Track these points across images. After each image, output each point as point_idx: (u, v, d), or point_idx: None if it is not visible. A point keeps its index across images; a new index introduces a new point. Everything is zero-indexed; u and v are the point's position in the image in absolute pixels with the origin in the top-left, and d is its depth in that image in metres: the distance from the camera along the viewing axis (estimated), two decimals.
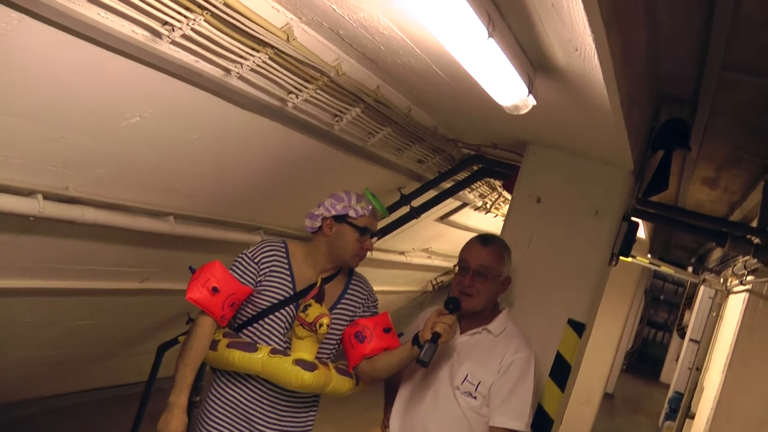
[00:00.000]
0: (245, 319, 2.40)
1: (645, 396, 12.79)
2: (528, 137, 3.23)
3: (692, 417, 6.95)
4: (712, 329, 7.87)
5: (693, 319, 9.94)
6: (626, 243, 3.25)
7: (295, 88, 2.62)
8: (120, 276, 3.44)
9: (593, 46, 1.69)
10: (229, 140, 2.81)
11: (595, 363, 6.63)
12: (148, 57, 2.12)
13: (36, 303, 3.30)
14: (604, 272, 3.25)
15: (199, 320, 2.34)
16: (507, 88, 2.02)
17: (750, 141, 3.50)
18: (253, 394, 2.38)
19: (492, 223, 5.64)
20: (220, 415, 2.39)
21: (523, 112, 2.14)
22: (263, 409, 2.38)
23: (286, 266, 2.42)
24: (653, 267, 7.64)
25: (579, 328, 3.06)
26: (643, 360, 15.55)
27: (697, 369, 7.93)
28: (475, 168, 4.08)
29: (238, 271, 2.37)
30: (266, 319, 2.37)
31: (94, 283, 3.34)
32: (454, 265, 2.56)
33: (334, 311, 2.42)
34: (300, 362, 2.29)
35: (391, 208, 3.98)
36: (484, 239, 2.57)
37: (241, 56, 2.32)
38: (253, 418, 2.38)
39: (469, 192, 4.75)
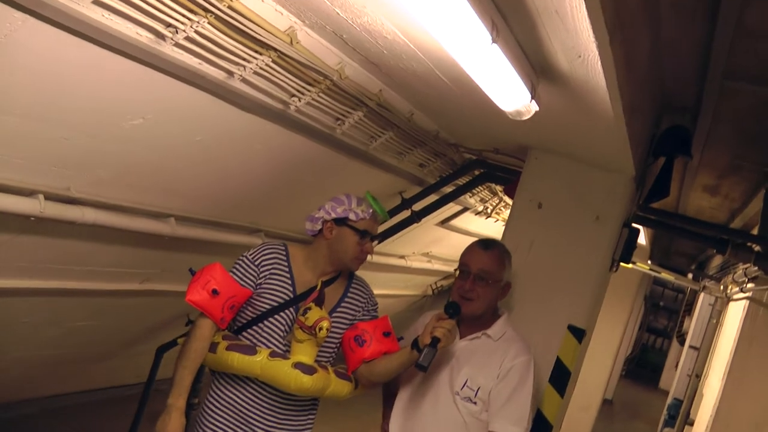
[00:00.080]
0: (245, 321, 2.40)
1: (644, 402, 12.78)
2: (530, 142, 3.23)
3: (691, 424, 6.93)
4: (712, 336, 7.85)
5: (693, 325, 9.91)
6: (627, 249, 3.25)
7: (298, 91, 2.62)
8: (120, 277, 3.44)
9: (597, 52, 1.69)
10: (230, 143, 2.81)
11: (595, 369, 6.62)
12: (152, 59, 2.12)
13: (36, 303, 3.30)
14: (604, 278, 3.24)
15: (199, 322, 2.33)
16: (510, 93, 2.02)
17: (751, 149, 3.50)
18: (252, 397, 2.37)
19: (492, 228, 5.64)
20: (218, 418, 2.39)
21: (525, 117, 2.14)
22: (262, 411, 2.38)
23: (287, 269, 2.41)
24: (653, 273, 7.64)
25: (579, 334, 3.05)
26: (643, 366, 15.54)
27: (697, 376, 7.92)
28: (477, 173, 4.09)
29: (238, 274, 2.37)
30: (266, 322, 2.37)
31: (94, 283, 3.34)
32: (455, 270, 2.56)
33: (334, 315, 2.42)
34: (299, 365, 2.29)
35: (392, 212, 3.99)
36: (485, 244, 2.57)
37: (244, 59, 2.32)
38: (252, 421, 2.37)
39: (470, 197, 4.75)
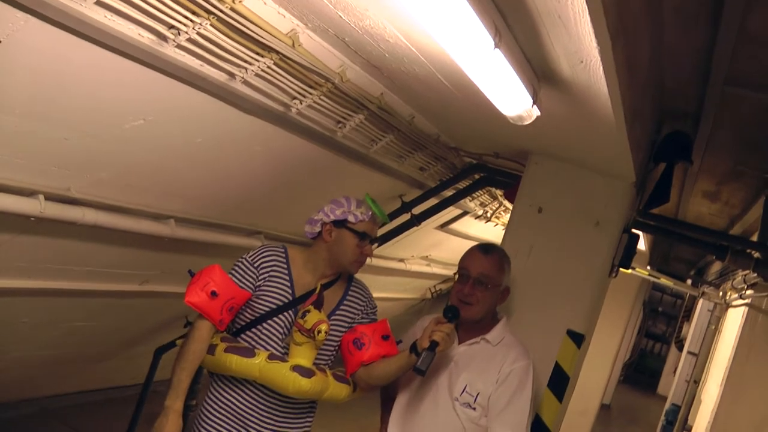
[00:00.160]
0: (244, 323, 2.39)
1: (642, 408, 12.77)
2: (530, 147, 3.23)
3: (689, 430, 6.94)
4: (711, 342, 7.86)
5: (691, 331, 9.92)
6: (627, 254, 3.25)
7: (299, 93, 2.62)
8: (119, 278, 3.44)
9: (599, 58, 1.69)
10: (231, 144, 2.81)
11: (593, 373, 6.61)
12: (154, 60, 2.12)
13: (35, 303, 3.29)
14: (604, 283, 3.24)
15: (197, 324, 2.33)
16: (511, 98, 2.02)
17: (751, 155, 3.50)
18: (250, 399, 2.37)
19: (492, 232, 5.64)
20: (216, 420, 2.38)
21: (527, 122, 2.14)
22: (260, 414, 2.37)
23: (286, 271, 2.41)
24: (652, 279, 7.64)
25: (578, 339, 3.05)
26: (641, 371, 15.51)
27: (695, 382, 7.92)
28: (477, 177, 4.09)
29: (238, 276, 2.36)
30: (264, 324, 2.37)
31: (94, 284, 3.34)
32: (454, 273, 2.56)
33: (333, 317, 2.41)
34: (297, 368, 2.28)
35: (392, 216, 3.98)
36: (485, 248, 2.56)
37: (246, 61, 2.32)
38: (250, 423, 2.37)
39: (470, 201, 4.75)
